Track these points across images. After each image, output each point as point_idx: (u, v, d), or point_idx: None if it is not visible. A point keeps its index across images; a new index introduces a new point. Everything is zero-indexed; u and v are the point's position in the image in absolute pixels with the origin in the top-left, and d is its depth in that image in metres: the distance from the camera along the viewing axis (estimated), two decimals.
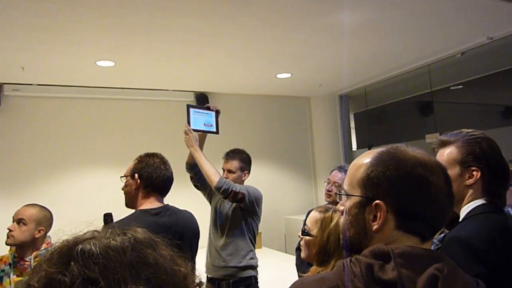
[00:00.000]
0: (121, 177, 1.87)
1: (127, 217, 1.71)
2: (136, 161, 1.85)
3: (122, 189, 1.86)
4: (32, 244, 2.06)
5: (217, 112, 2.64)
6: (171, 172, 1.88)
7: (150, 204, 1.79)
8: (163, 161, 1.86)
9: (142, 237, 0.59)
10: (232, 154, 2.69)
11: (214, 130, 2.61)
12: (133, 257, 0.55)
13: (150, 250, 0.57)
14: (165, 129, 4.58)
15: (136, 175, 1.80)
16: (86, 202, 4.10)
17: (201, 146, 2.51)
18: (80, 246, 0.54)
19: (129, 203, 1.85)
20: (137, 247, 0.56)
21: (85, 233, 0.58)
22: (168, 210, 1.82)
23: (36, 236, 2.06)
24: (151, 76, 4.11)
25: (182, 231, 1.80)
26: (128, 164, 1.89)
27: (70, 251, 0.54)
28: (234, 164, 2.64)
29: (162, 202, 1.85)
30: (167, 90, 4.65)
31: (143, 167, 1.80)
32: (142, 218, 1.70)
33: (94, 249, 0.54)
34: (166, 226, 1.71)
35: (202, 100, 4.65)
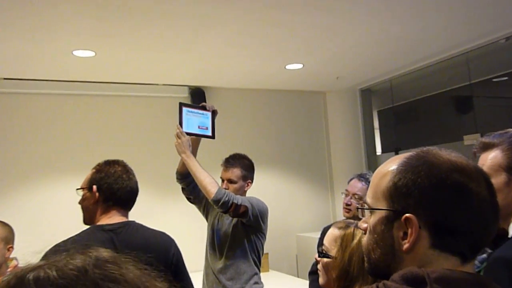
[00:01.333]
0: (77, 189, 1.86)
1: (77, 234, 1.70)
2: (94, 170, 1.85)
3: (79, 203, 1.86)
4: (2, 266, 2.09)
5: (214, 113, 2.64)
6: (136, 182, 1.88)
7: (109, 219, 1.78)
8: (126, 170, 1.86)
9: (107, 255, 0.59)
10: (233, 160, 2.69)
11: (210, 134, 2.61)
12: (97, 274, 0.54)
13: (117, 267, 0.57)
14: (154, 131, 4.59)
15: (94, 187, 1.79)
16: (63, 214, 4.10)
17: (194, 153, 2.51)
18: (31, 274, 0.54)
19: (87, 219, 1.84)
20: (101, 264, 0.56)
21: (36, 263, 0.58)
22: (129, 227, 1.79)
23: (7, 255, 2.12)
24: (138, 68, 4.12)
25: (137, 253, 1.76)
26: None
27: (20, 281, 0.53)
28: (235, 172, 2.64)
29: (126, 216, 1.84)
30: (157, 84, 4.66)
31: (102, 178, 1.80)
32: (93, 235, 1.70)
33: (50, 273, 0.53)
34: (121, 245, 1.69)
35: (197, 96, 4.66)
